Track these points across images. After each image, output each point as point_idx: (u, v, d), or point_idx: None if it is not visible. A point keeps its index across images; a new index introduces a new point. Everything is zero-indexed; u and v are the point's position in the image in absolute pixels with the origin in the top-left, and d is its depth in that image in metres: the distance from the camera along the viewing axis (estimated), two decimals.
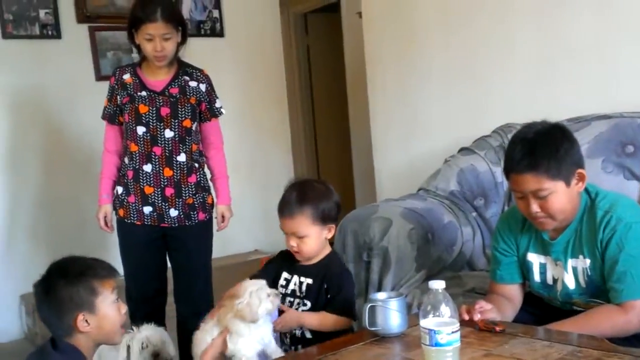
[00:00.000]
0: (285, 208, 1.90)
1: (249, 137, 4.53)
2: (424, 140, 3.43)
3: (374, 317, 1.62)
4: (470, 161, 2.80)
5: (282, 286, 1.91)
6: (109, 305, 1.63)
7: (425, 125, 3.43)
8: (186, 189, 2.57)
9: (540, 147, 1.66)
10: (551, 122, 1.75)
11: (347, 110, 5.13)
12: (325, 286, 1.87)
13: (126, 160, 2.57)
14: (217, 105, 2.65)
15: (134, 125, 2.51)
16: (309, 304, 1.87)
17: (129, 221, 2.57)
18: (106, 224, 2.63)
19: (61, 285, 1.62)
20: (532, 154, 1.65)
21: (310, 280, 1.88)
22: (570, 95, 2.75)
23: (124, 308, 1.69)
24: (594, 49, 2.69)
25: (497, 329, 1.56)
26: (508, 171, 1.73)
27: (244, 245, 4.48)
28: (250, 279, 1.86)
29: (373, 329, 1.62)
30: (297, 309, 1.88)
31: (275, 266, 1.98)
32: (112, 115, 2.60)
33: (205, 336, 1.79)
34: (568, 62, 2.78)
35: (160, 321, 2.53)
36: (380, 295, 1.67)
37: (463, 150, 2.91)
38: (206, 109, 2.61)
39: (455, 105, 3.26)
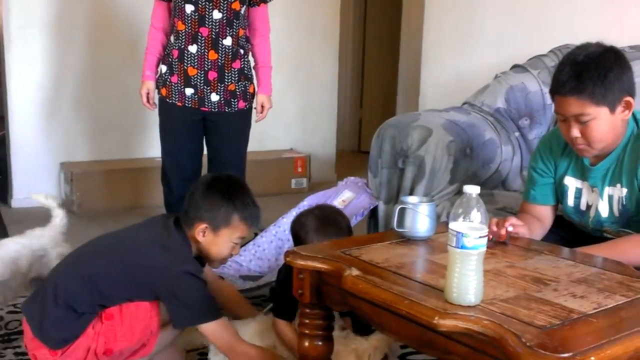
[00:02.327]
0: None
1: (296, 33, 4.45)
2: (476, 54, 3.32)
3: (402, 219, 1.64)
4: (522, 79, 2.72)
5: None
6: (228, 240, 1.79)
7: (479, 39, 3.31)
8: (229, 74, 2.58)
9: (588, 71, 1.60)
10: (606, 45, 1.67)
11: (400, 15, 4.97)
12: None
13: (172, 39, 2.57)
14: None
15: (182, 3, 2.49)
16: None
17: (171, 101, 2.60)
18: (148, 100, 2.67)
19: (215, 193, 1.78)
20: (579, 77, 1.60)
21: None
22: (636, 21, 2.61)
23: (237, 252, 1.84)
24: None
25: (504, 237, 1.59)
26: (553, 92, 1.68)
27: (280, 142, 4.52)
28: (277, 314, 1.85)
29: (400, 230, 1.64)
30: None
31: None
32: None
33: None
34: None
35: None
36: (412, 199, 1.68)
37: (516, 67, 2.82)
38: None
39: (514, 20, 3.13)
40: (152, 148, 3.60)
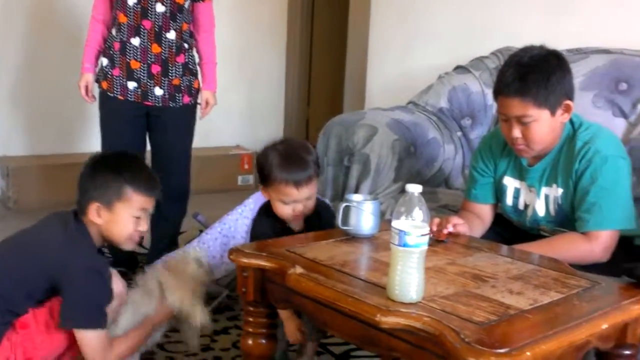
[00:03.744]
0: None
1: (242, 28, 4.41)
2: (420, 54, 3.37)
3: (347, 217, 1.65)
4: (464, 80, 2.78)
5: None
6: (127, 215, 1.69)
7: (423, 39, 3.37)
8: (173, 68, 2.54)
9: (532, 73, 1.64)
10: (549, 48, 1.73)
11: (348, 15, 4.99)
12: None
13: (114, 31, 2.51)
14: None
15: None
16: None
17: (112, 95, 2.54)
18: (87, 93, 2.60)
19: (101, 170, 1.69)
20: (523, 79, 1.64)
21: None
22: (574, 26, 2.70)
23: (144, 227, 1.73)
24: None
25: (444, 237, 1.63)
26: (497, 93, 1.72)
27: (226, 139, 4.48)
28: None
29: (345, 228, 1.65)
30: None
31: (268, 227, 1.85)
32: None
33: None
34: None
35: None
36: (356, 197, 1.70)
37: (459, 68, 2.87)
38: None
39: (457, 22, 3.19)
40: (92, 142, 3.51)
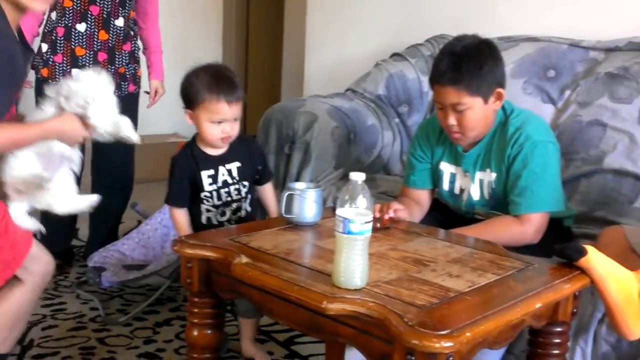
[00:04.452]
0: None
1: (177, 15, 4.33)
2: (358, 41, 3.41)
3: (290, 206, 1.66)
4: (400, 67, 2.83)
5: (210, 184, 1.83)
6: None
7: (360, 26, 3.40)
8: (120, 56, 2.47)
9: (466, 63, 1.69)
10: (481, 37, 1.78)
11: (284, 1, 4.97)
12: (258, 160, 1.92)
13: (53, 15, 2.42)
14: None
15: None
16: (247, 183, 1.87)
17: (54, 82, 2.39)
18: None
19: None
20: (457, 68, 1.69)
21: (238, 164, 1.85)
22: (505, 15, 2.79)
23: None
24: None
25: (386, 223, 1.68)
26: (433, 81, 1.77)
27: (162, 127, 4.40)
28: (169, 198, 1.84)
29: (288, 216, 1.66)
30: (238, 192, 1.85)
31: (186, 170, 1.83)
32: None
33: None
34: None
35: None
36: (299, 185, 1.71)
37: (395, 55, 2.92)
38: None
39: (393, 10, 3.24)
40: None
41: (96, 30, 2.40)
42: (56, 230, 2.44)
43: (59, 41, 2.40)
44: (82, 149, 2.54)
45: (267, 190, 1.95)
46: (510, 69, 2.46)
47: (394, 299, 1.21)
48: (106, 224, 2.68)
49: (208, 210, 1.85)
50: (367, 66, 3.03)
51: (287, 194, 1.66)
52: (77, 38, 2.39)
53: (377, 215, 1.71)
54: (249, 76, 6.06)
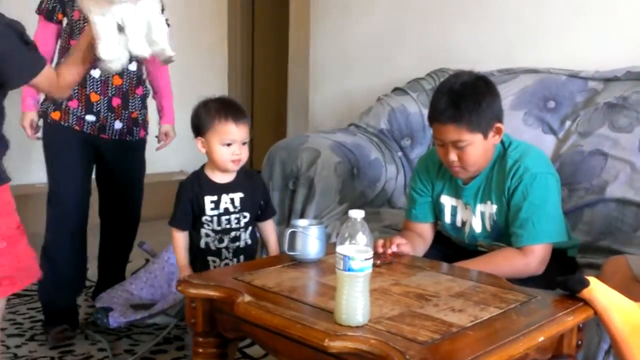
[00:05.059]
0: None
1: (182, 52, 4.36)
2: (360, 76, 3.46)
3: (293, 243, 1.68)
4: (402, 101, 2.86)
5: (212, 209, 1.87)
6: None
7: (363, 62, 3.46)
8: (133, 101, 2.47)
9: (464, 100, 1.71)
10: (477, 73, 1.81)
11: (288, 39, 5.06)
12: (261, 196, 1.96)
13: None
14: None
15: (84, 23, 2.26)
16: (248, 215, 1.90)
17: (66, 124, 2.39)
18: (32, 131, 2.45)
19: None
20: (456, 106, 1.71)
21: (241, 194, 1.89)
22: (504, 47, 2.84)
23: None
24: (529, 3, 2.77)
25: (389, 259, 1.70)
26: (432, 120, 1.79)
27: (169, 165, 4.44)
28: (172, 219, 1.88)
29: (292, 253, 1.68)
30: (237, 222, 1.89)
31: (190, 194, 1.89)
32: (50, 11, 2.37)
33: None
34: (503, 15, 2.86)
35: (84, 229, 2.50)
36: (302, 222, 1.73)
37: (397, 90, 2.96)
38: None
39: (394, 45, 3.29)
40: (32, 175, 3.44)
41: (110, 75, 2.38)
42: (62, 281, 2.44)
43: (74, 88, 2.31)
44: (90, 190, 2.59)
45: (269, 227, 1.98)
46: (511, 100, 2.49)
47: (396, 335, 1.21)
48: (114, 264, 2.69)
49: (207, 235, 1.88)
50: (370, 100, 3.07)
51: (290, 231, 1.68)
52: (92, 84, 2.38)
53: (380, 250, 1.72)
54: (255, 112, 6.13)
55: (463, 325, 1.26)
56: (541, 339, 1.27)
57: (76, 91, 2.38)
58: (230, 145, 1.83)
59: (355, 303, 1.26)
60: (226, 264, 1.89)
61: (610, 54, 2.52)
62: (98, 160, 2.54)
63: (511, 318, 1.32)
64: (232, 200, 1.88)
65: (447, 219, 1.93)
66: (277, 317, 1.31)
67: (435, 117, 1.76)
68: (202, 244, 1.89)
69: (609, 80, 2.40)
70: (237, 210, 1.89)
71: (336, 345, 1.20)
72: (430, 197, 1.96)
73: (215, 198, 1.88)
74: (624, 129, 2.21)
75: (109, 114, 2.42)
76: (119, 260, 2.72)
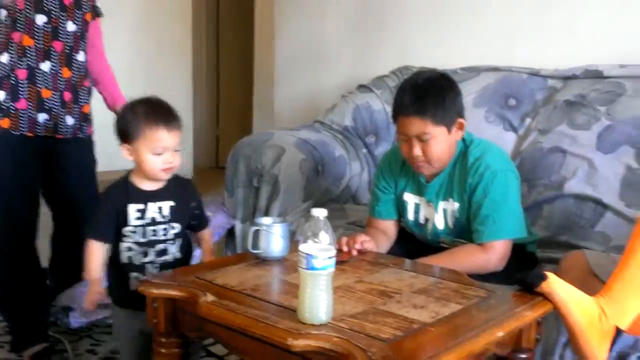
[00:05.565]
0: None
1: (145, 48, 4.34)
2: (325, 74, 3.46)
3: (257, 241, 1.67)
4: (366, 99, 2.87)
5: (137, 218, 1.70)
6: None
7: (328, 60, 3.46)
8: (82, 94, 2.31)
9: (429, 94, 1.74)
10: (440, 71, 1.84)
11: (253, 36, 5.03)
12: (194, 204, 1.81)
13: (9, 58, 2.16)
14: (97, 3, 2.37)
15: (32, 13, 2.14)
16: (177, 225, 1.75)
17: (18, 133, 2.18)
18: None
19: None
20: (420, 99, 1.74)
21: (171, 203, 1.74)
22: (465, 46, 2.87)
23: None
24: (490, 3, 2.81)
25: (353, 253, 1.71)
26: (397, 114, 1.80)
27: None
28: (90, 230, 1.70)
29: (255, 251, 1.67)
30: (165, 233, 1.73)
31: (115, 203, 1.71)
32: None
33: None
34: (466, 15, 2.89)
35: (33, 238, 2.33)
36: (265, 220, 1.72)
37: (361, 87, 2.97)
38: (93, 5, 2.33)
39: (359, 43, 3.30)
40: None
41: (60, 67, 2.22)
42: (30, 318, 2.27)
43: (21, 85, 2.18)
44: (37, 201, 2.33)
45: (205, 237, 1.86)
46: (473, 98, 2.52)
47: (359, 333, 1.22)
48: (71, 272, 2.41)
49: (130, 249, 1.72)
50: (335, 97, 3.08)
51: (253, 229, 1.67)
52: (42, 79, 2.20)
53: (345, 248, 1.73)
54: (220, 109, 6.10)
55: (425, 322, 1.28)
56: (500, 334, 1.29)
57: (25, 89, 2.17)
58: (162, 153, 1.68)
59: (319, 301, 1.26)
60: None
61: (569, 52, 2.57)
62: (49, 163, 2.32)
63: (471, 314, 1.34)
64: (160, 209, 1.73)
65: (410, 216, 1.95)
66: (239, 317, 1.31)
67: (400, 110, 1.77)
68: (124, 259, 1.72)
69: (567, 78, 2.45)
70: (165, 220, 1.73)
71: (299, 343, 1.20)
72: (394, 194, 1.97)
73: (141, 206, 1.71)
74: (582, 127, 2.26)
75: (61, 110, 2.25)
76: (76, 264, 2.60)
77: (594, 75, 2.39)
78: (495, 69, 2.62)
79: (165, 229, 1.74)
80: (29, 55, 2.17)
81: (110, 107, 2.45)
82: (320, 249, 1.26)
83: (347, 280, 1.52)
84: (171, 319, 1.49)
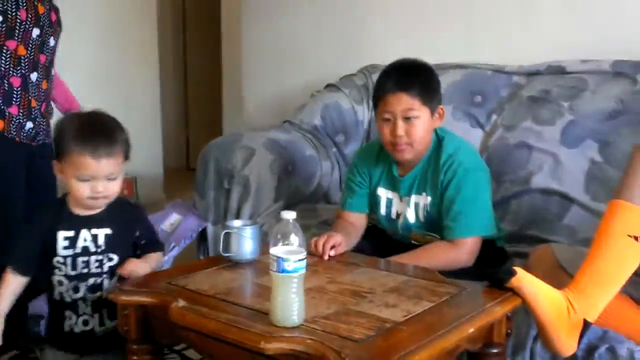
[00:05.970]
0: None
1: (110, 50, 4.26)
2: (294, 73, 3.46)
3: (228, 244, 1.66)
4: (335, 98, 2.88)
5: (65, 247, 1.54)
6: None
7: (296, 60, 3.45)
8: (51, 105, 2.41)
9: (416, 75, 1.80)
10: (421, 61, 1.87)
11: (220, 35, 5.01)
12: (139, 233, 1.64)
13: (4, 64, 2.16)
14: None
15: (30, 26, 2.18)
16: (115, 257, 1.58)
17: (10, 136, 2.21)
18: None
19: None
20: (408, 77, 1.79)
21: (107, 230, 1.57)
22: (431, 43, 2.89)
23: None
24: (457, 1, 2.84)
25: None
26: (382, 93, 1.81)
27: None
28: (9, 258, 1.54)
29: (227, 254, 1.66)
30: (99, 265, 1.57)
31: (43, 228, 1.55)
32: None
33: None
34: (432, 14, 2.91)
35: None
36: (236, 223, 1.72)
37: (329, 86, 2.98)
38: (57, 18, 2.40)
39: (326, 41, 3.31)
40: None
41: (41, 79, 2.27)
42: None
43: (16, 92, 2.20)
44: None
45: (154, 256, 1.66)
46: None
47: (331, 334, 1.22)
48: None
49: (60, 283, 1.55)
50: (304, 97, 3.08)
51: (224, 232, 1.66)
52: (32, 89, 2.24)
53: (320, 249, 1.72)
54: (189, 111, 6.05)
55: (397, 321, 1.29)
56: (471, 330, 1.31)
57: (18, 96, 2.21)
58: (89, 180, 1.50)
59: (291, 304, 1.26)
60: (85, 322, 1.58)
61: (533, 48, 2.61)
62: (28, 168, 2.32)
63: (442, 311, 1.36)
64: (94, 237, 1.55)
65: (383, 210, 1.96)
66: (212, 321, 1.30)
67: (386, 88, 1.79)
68: (56, 295, 1.56)
69: (531, 74, 2.49)
70: (99, 250, 1.55)
71: (272, 347, 1.20)
72: (368, 188, 1.98)
73: (71, 234, 1.54)
74: (547, 122, 2.30)
75: (41, 120, 2.31)
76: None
77: (557, 71, 2.43)
78: (461, 66, 2.65)
79: (99, 261, 1.56)
80: (22, 65, 2.22)
81: (65, 111, 2.49)
82: (291, 252, 1.26)
83: (320, 281, 1.52)
84: (142, 326, 1.47)
